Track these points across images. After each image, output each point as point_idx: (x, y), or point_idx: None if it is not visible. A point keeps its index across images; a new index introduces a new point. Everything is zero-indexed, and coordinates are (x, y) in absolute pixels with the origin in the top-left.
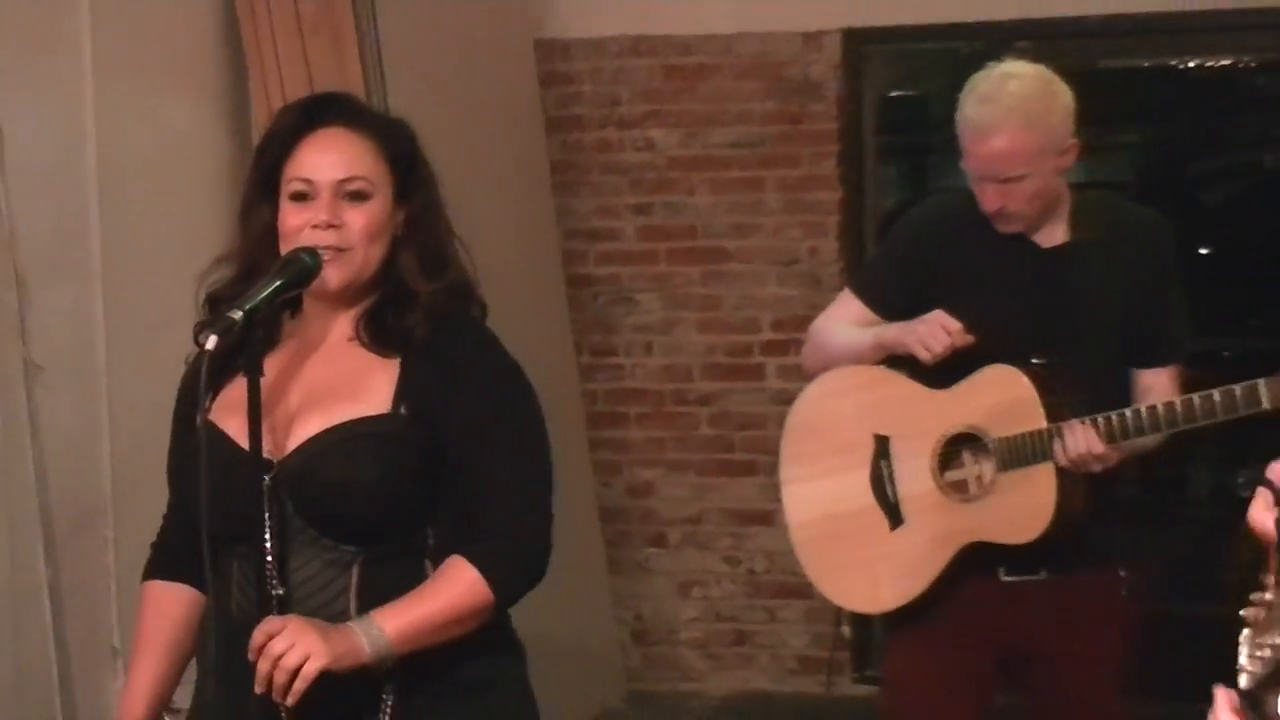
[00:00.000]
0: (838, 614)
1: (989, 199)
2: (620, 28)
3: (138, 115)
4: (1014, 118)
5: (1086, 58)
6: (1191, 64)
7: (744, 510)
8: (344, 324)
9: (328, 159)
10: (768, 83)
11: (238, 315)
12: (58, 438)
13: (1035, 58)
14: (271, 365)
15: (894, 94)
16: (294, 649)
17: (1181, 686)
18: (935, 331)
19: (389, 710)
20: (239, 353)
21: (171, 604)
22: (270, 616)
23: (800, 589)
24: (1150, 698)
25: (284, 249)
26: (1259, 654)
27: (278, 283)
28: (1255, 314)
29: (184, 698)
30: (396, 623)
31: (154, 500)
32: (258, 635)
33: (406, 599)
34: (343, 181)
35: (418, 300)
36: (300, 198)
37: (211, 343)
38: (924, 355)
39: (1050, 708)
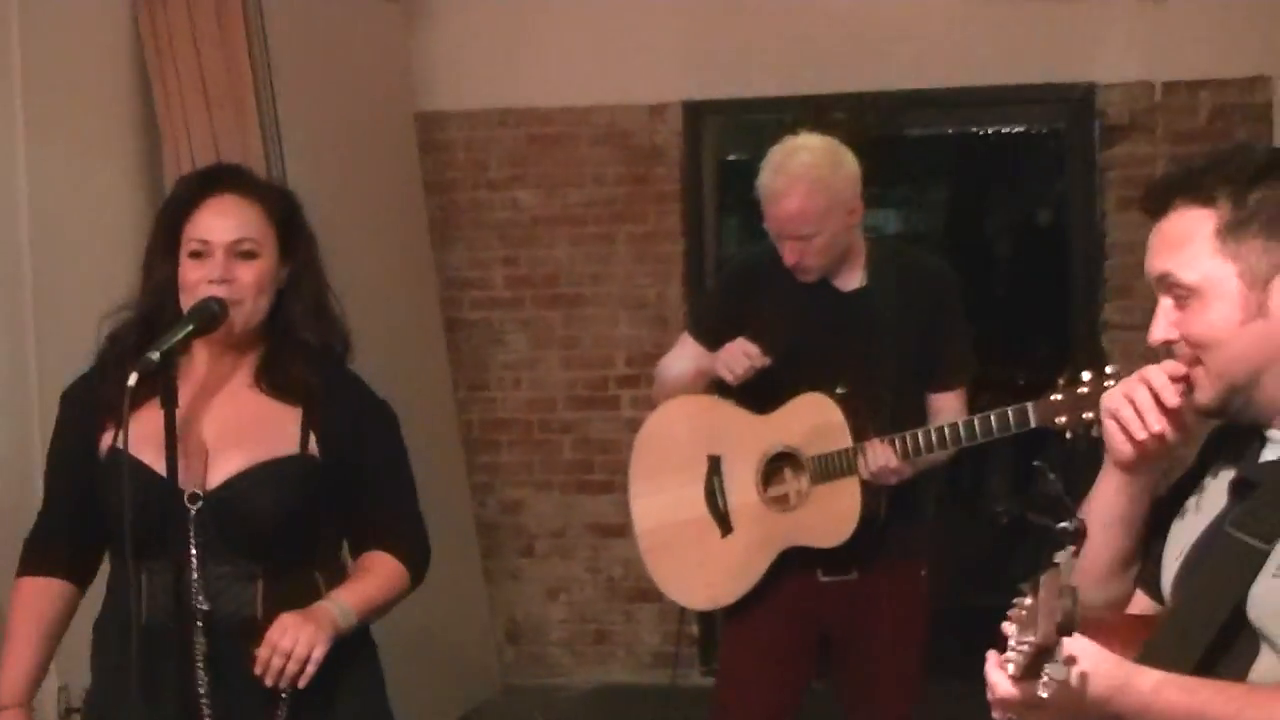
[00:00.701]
0: (682, 614)
1: (787, 254)
2: (489, 101)
3: (64, 176)
4: (802, 184)
5: (895, 126)
6: (987, 131)
7: (603, 524)
8: (240, 368)
9: (221, 223)
10: (618, 149)
11: (155, 356)
12: None
13: (849, 126)
14: (192, 406)
15: (730, 157)
16: (300, 641)
17: (974, 669)
18: (736, 355)
19: (286, 705)
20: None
21: (45, 598)
22: (281, 616)
23: (653, 593)
24: (946, 678)
25: (183, 299)
26: (1020, 649)
27: (190, 327)
28: (1036, 346)
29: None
30: (354, 600)
31: None
32: (270, 635)
33: (356, 582)
34: (234, 242)
35: (304, 350)
36: (197, 255)
37: (133, 379)
38: (728, 377)
39: (861, 686)
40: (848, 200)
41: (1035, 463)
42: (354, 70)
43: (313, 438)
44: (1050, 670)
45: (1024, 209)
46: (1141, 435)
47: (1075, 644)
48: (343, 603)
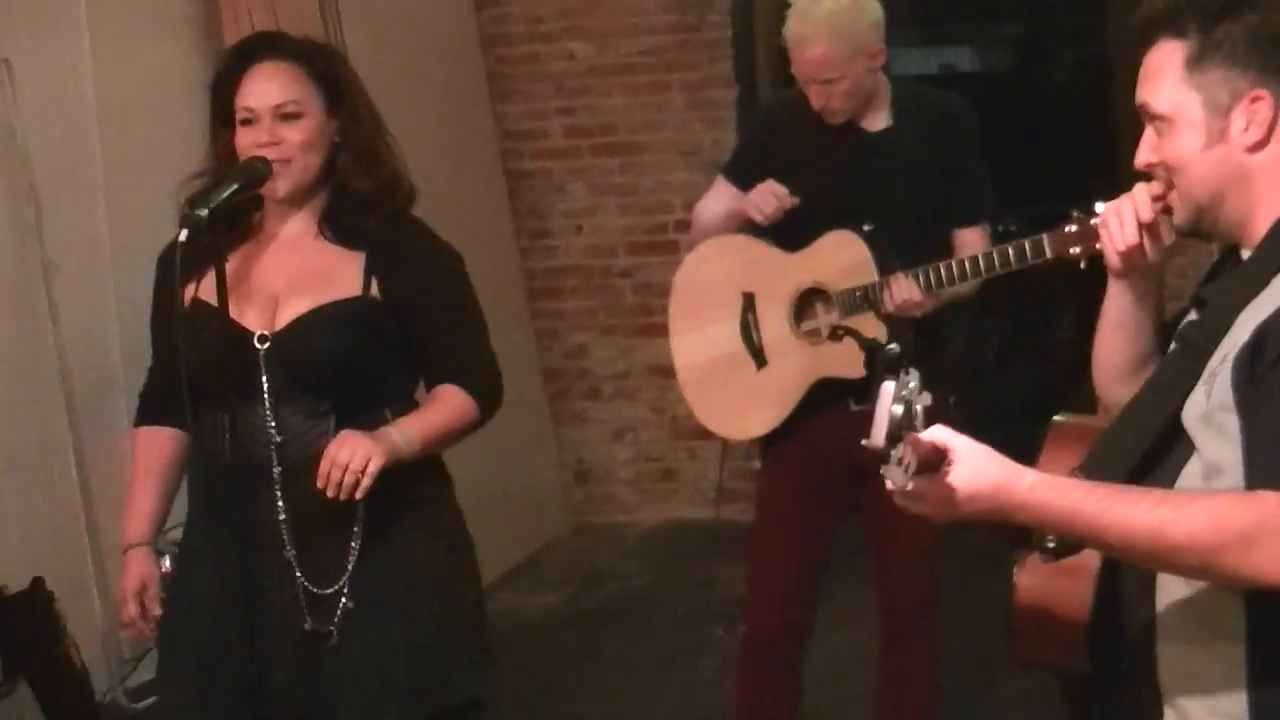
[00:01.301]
0: (724, 451)
1: (814, 98)
2: None
3: (128, 51)
4: (825, 31)
5: None
6: None
7: (665, 365)
8: (305, 222)
9: (264, 87)
10: None
11: (204, 213)
12: (74, 325)
13: None
14: (249, 254)
15: None
16: (356, 454)
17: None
18: (765, 196)
19: (362, 527)
20: (224, 244)
21: (159, 444)
22: (342, 432)
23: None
24: None
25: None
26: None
27: (235, 185)
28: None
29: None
30: (419, 426)
31: None
32: (328, 449)
33: (421, 412)
34: (277, 106)
35: (362, 198)
36: (246, 123)
37: (183, 235)
38: (758, 217)
39: (887, 514)
40: (869, 45)
41: (865, 227)
42: None
43: (374, 281)
44: (884, 470)
45: (1077, 47)
46: (1122, 245)
47: (962, 447)
48: (406, 429)
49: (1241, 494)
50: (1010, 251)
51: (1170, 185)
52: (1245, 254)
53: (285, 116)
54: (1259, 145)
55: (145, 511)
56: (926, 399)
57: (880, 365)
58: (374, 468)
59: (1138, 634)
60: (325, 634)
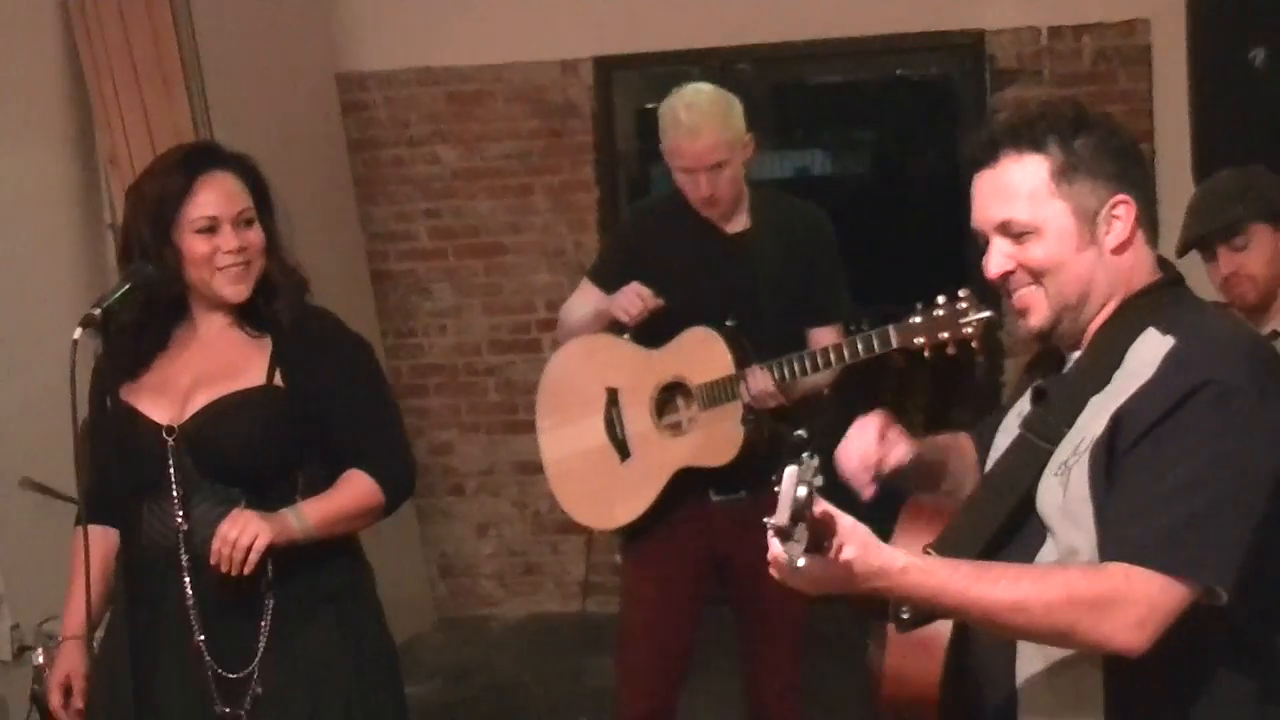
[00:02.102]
0: (589, 546)
1: (702, 187)
2: (409, 61)
3: (3, 155)
4: (712, 119)
5: (797, 75)
6: (888, 75)
7: (528, 462)
8: (221, 318)
9: (221, 197)
10: (533, 104)
11: (96, 311)
12: None
13: (755, 76)
14: (171, 353)
15: (650, 105)
16: (244, 532)
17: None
18: (631, 298)
19: (270, 612)
20: (139, 343)
21: (97, 541)
22: (231, 513)
23: (579, 526)
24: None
25: (196, 273)
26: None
27: (127, 285)
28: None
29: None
30: (317, 508)
31: (28, 467)
32: (220, 527)
33: (324, 496)
34: (240, 212)
35: (280, 293)
36: (207, 230)
37: (77, 334)
38: (624, 318)
39: (753, 602)
40: (744, 135)
41: (727, 322)
42: (277, 35)
43: (279, 370)
44: (787, 548)
45: (928, 151)
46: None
47: (848, 529)
48: (301, 510)
49: (1093, 567)
50: (859, 343)
51: (1031, 284)
52: (1073, 357)
53: (246, 222)
54: (1123, 246)
55: (80, 607)
56: (820, 481)
57: (786, 450)
58: (260, 544)
59: (997, 707)
60: (236, 717)
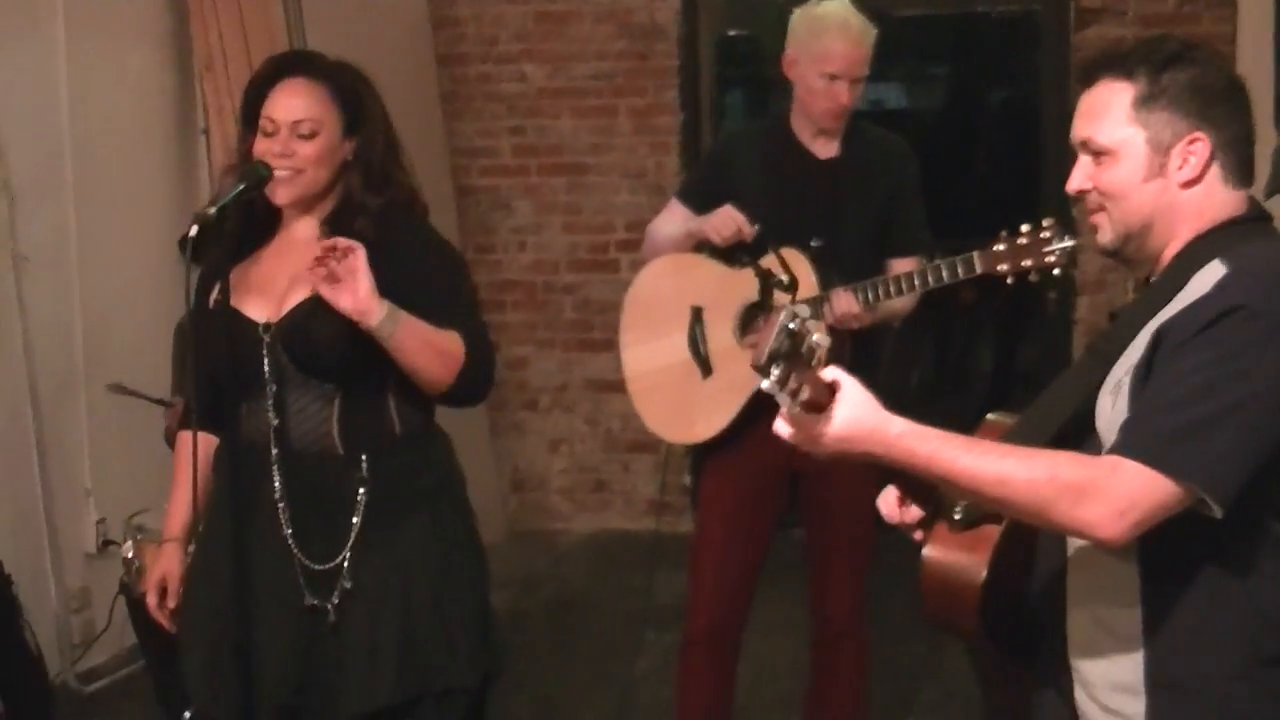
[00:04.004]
0: (667, 464)
1: (843, 94)
2: None
3: (101, 56)
4: (869, 33)
5: (885, 6)
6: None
7: (602, 380)
8: (310, 224)
9: (287, 103)
10: (619, 26)
11: (211, 210)
12: (40, 319)
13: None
14: (262, 254)
15: (731, 32)
16: (351, 248)
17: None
18: (725, 220)
19: (362, 508)
20: (239, 243)
21: (198, 446)
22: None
23: (648, 444)
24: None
25: None
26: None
27: (240, 186)
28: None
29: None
30: (407, 318)
31: (119, 367)
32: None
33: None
34: (296, 123)
35: (364, 210)
36: (266, 133)
37: (193, 230)
38: (716, 239)
39: (820, 522)
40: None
41: (812, 242)
42: None
43: (372, 269)
44: (765, 386)
45: (1006, 87)
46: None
47: (849, 389)
48: (395, 309)
49: (1086, 455)
50: (943, 268)
51: (1100, 209)
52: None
53: (303, 135)
54: (1192, 182)
55: (182, 510)
56: (825, 339)
57: (774, 292)
58: (359, 263)
59: (1048, 601)
60: (324, 610)
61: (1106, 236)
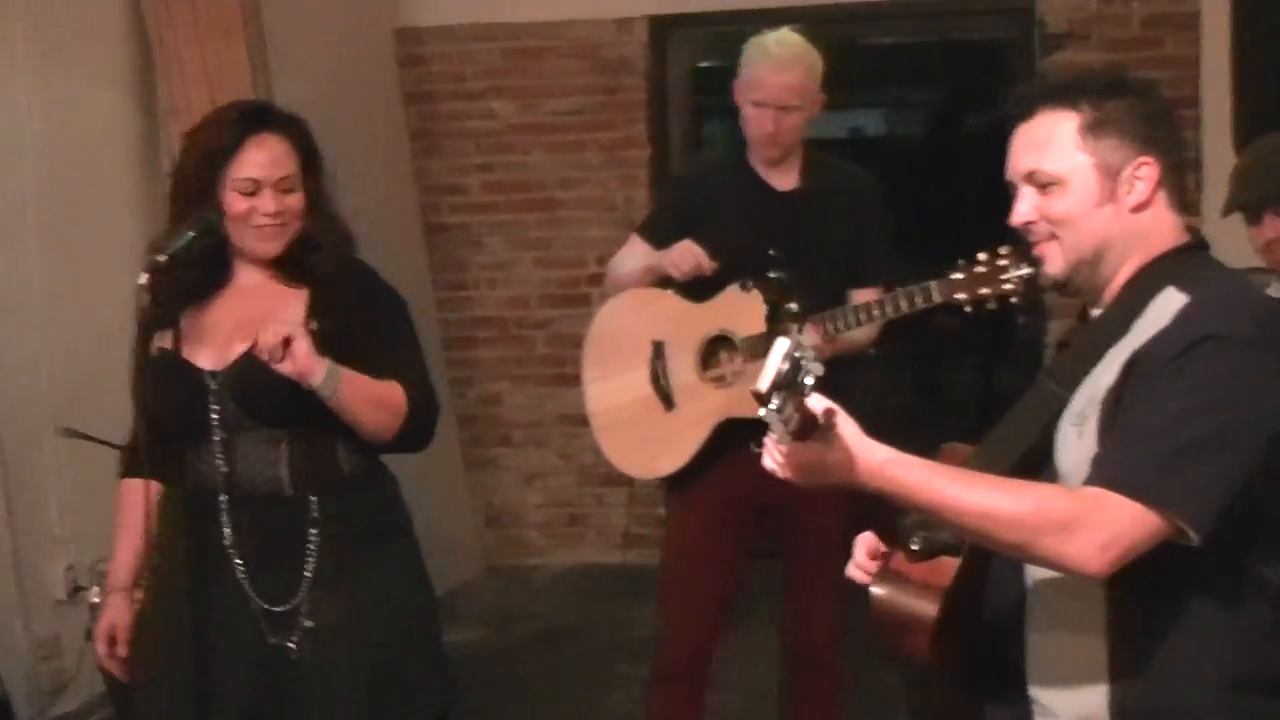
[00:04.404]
0: (631, 496)
1: (768, 122)
2: (466, 17)
3: (66, 96)
4: (802, 61)
5: (850, 36)
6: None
7: (576, 415)
8: (259, 269)
9: (267, 160)
10: (588, 61)
11: (161, 258)
12: (7, 363)
13: (809, 36)
14: (211, 302)
15: (704, 64)
16: (285, 329)
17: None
18: (684, 255)
19: (315, 549)
20: (187, 294)
21: (140, 497)
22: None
23: (623, 477)
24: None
25: (233, 228)
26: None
27: (191, 234)
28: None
29: None
30: (348, 374)
31: (87, 413)
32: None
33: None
34: (282, 179)
35: (318, 249)
36: (248, 193)
37: (143, 279)
38: (675, 274)
39: (794, 551)
40: (819, 89)
41: (770, 251)
42: None
43: (317, 317)
44: (763, 415)
45: (981, 113)
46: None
47: (841, 421)
48: (335, 367)
49: (1068, 490)
50: (901, 298)
51: (1050, 238)
52: (1095, 313)
53: (286, 190)
54: (1142, 206)
55: (124, 559)
56: (818, 369)
57: (782, 317)
58: (301, 347)
59: (1004, 632)
60: (285, 648)
61: (1057, 266)
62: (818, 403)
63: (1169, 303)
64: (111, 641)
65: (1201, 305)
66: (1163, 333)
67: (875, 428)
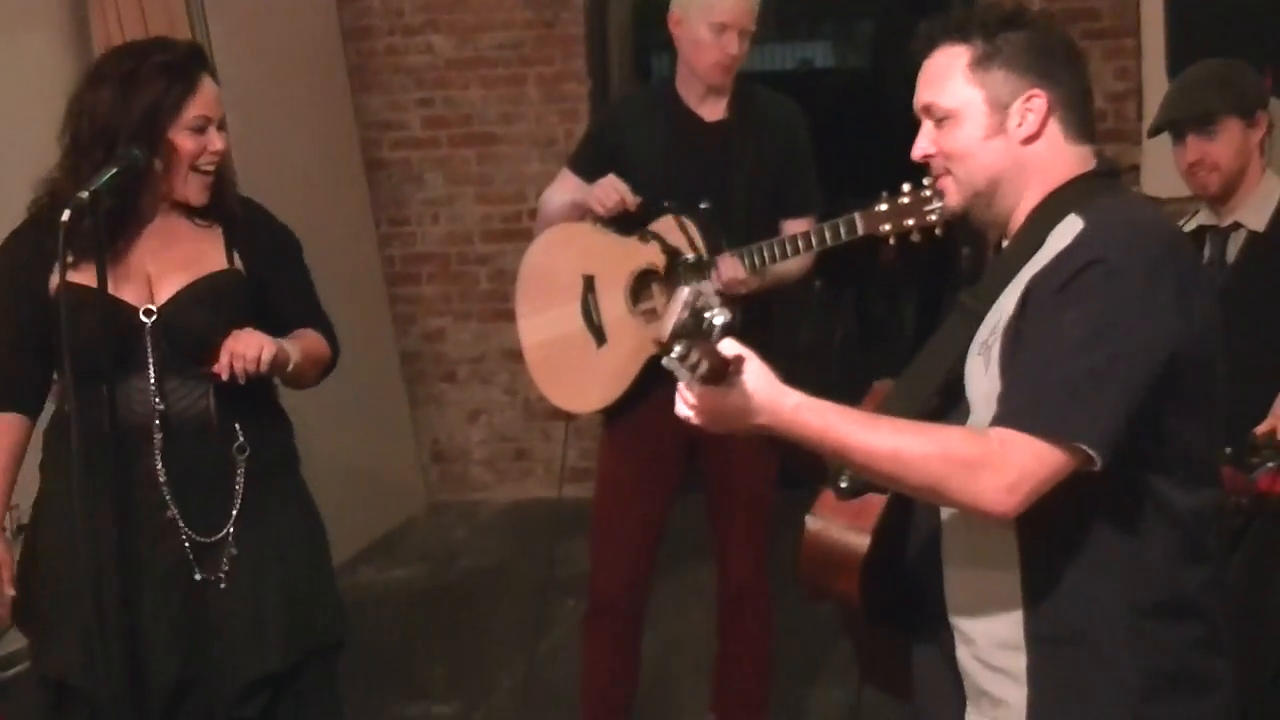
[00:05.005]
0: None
1: (732, 45)
2: None
3: None
4: None
5: None
6: None
7: (518, 350)
8: (174, 211)
9: (212, 99)
10: None
11: (84, 195)
12: None
13: None
14: (136, 244)
15: None
16: (250, 346)
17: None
18: (608, 191)
19: (242, 477)
20: (112, 229)
21: (6, 430)
22: (235, 331)
23: (567, 413)
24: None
25: (178, 169)
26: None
27: (114, 170)
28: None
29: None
30: (298, 344)
31: None
32: (227, 343)
33: (297, 337)
34: (221, 117)
35: (232, 187)
36: (199, 130)
37: (66, 215)
38: (599, 210)
39: (720, 486)
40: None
41: (702, 204)
42: None
43: (236, 255)
44: (666, 363)
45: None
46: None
47: (749, 364)
48: (289, 343)
49: (976, 430)
50: (825, 231)
51: (946, 173)
52: (1005, 244)
53: (219, 127)
54: (1032, 138)
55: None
56: (724, 315)
57: (681, 272)
58: (267, 356)
59: (925, 564)
60: (214, 580)
61: (954, 199)
62: (728, 348)
63: (1067, 229)
64: None
65: (1093, 230)
66: (1056, 259)
67: (818, 362)
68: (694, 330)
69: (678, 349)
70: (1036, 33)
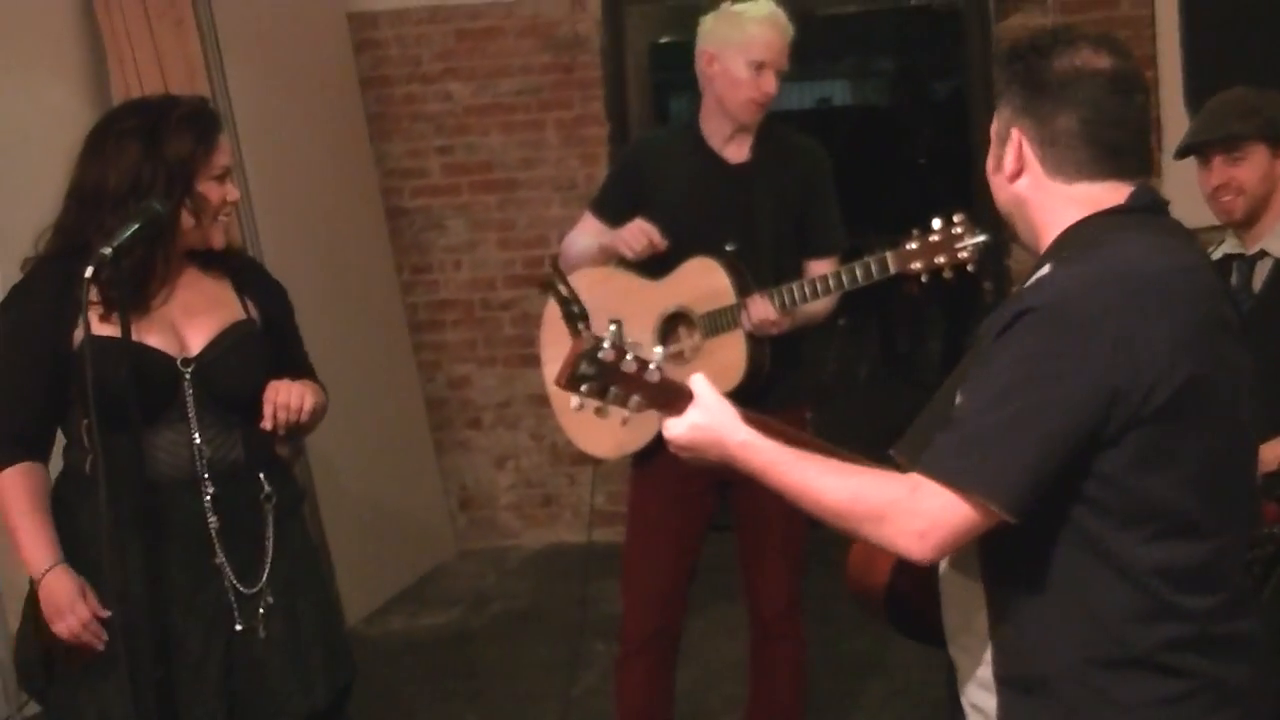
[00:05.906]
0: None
1: (765, 84)
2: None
3: (16, 92)
4: (790, 28)
5: (807, 7)
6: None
7: (545, 395)
8: (186, 262)
9: (230, 149)
10: (543, 40)
11: (108, 251)
12: None
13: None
14: (159, 295)
15: (663, 40)
16: (293, 396)
17: None
18: (637, 235)
19: (272, 522)
20: (127, 284)
21: (36, 479)
22: (271, 382)
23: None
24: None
25: (204, 218)
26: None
27: (136, 225)
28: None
29: None
30: (316, 391)
31: None
32: (268, 394)
33: (307, 387)
34: (232, 166)
35: (233, 237)
36: (221, 180)
37: (89, 271)
38: (628, 253)
39: (752, 523)
40: None
41: (728, 247)
42: None
43: (248, 303)
44: (574, 403)
45: (943, 80)
46: None
47: (704, 395)
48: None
49: (888, 474)
50: (857, 269)
51: None
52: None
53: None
54: (1016, 175)
55: (49, 539)
56: (637, 348)
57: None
58: (308, 405)
59: (935, 598)
60: (252, 629)
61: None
62: (695, 383)
63: (1037, 275)
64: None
65: (1048, 278)
66: (1003, 305)
67: (844, 397)
68: (608, 373)
69: (584, 388)
70: (1035, 65)
